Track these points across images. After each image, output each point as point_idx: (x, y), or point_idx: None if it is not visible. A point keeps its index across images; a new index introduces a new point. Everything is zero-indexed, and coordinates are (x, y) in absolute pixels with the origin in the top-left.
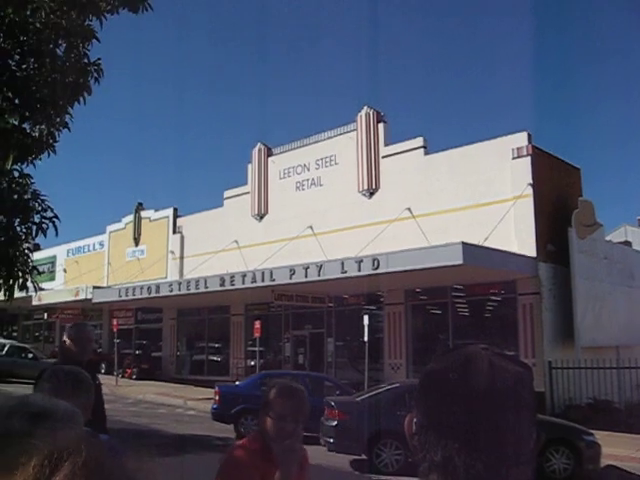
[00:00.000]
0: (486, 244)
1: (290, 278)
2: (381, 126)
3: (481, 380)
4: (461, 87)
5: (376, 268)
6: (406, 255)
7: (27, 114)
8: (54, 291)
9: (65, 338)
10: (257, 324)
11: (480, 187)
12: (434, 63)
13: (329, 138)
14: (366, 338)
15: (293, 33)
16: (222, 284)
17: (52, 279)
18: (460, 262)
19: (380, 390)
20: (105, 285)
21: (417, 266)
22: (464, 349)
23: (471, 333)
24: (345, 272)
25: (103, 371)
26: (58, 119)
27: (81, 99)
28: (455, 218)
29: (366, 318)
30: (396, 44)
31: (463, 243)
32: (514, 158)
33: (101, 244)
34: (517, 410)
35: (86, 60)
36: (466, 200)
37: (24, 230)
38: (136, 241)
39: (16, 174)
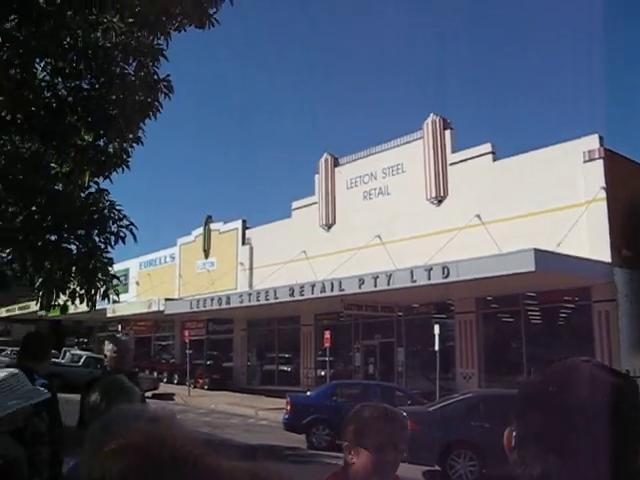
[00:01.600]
0: (559, 250)
1: (359, 288)
2: (448, 133)
3: (581, 393)
4: (529, 90)
5: (446, 276)
6: (477, 263)
7: (101, 131)
8: (127, 303)
9: (106, 351)
10: (327, 334)
11: (551, 192)
12: (499, 66)
13: (396, 147)
14: (437, 347)
15: (358, 42)
16: (292, 294)
17: (125, 292)
18: (532, 269)
19: (453, 400)
20: (176, 297)
21: (488, 274)
22: (564, 362)
23: (544, 341)
24: (415, 281)
25: (175, 381)
26: (131, 135)
27: (152, 115)
28: (526, 224)
29: (437, 327)
30: (460, 49)
31: (535, 250)
32: (586, 161)
33: (172, 257)
34: (619, 424)
35: (155, 77)
36: (537, 205)
37: (103, 241)
38: (206, 253)
39: (93, 189)
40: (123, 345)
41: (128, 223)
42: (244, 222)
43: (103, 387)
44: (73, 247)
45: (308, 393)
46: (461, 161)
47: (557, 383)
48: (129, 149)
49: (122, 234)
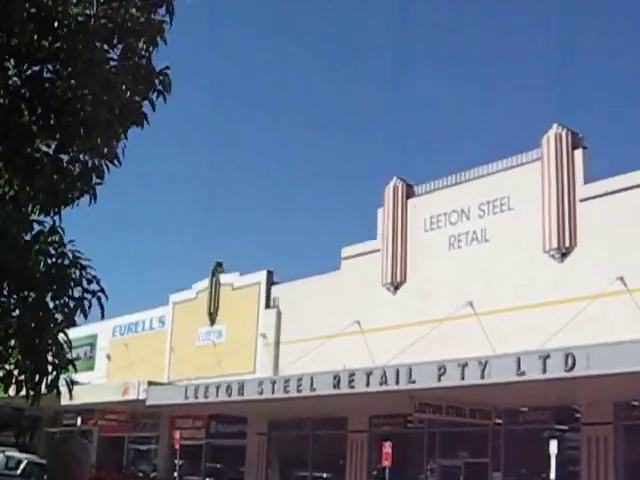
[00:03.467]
0: None
1: (439, 380)
2: (578, 153)
3: None
4: None
5: (570, 368)
6: (618, 349)
7: (65, 141)
8: (92, 386)
9: (50, 461)
10: (387, 446)
11: None
12: None
13: (499, 171)
14: (553, 474)
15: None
16: (337, 385)
17: (90, 368)
18: None
19: None
20: (165, 381)
21: (634, 368)
22: None
23: None
24: (522, 373)
25: None
26: (106, 149)
27: (138, 122)
28: None
29: (554, 444)
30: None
31: None
32: None
33: (161, 321)
34: None
35: (150, 68)
36: None
37: (59, 308)
38: (212, 317)
39: (46, 226)
40: (76, 454)
41: (98, 289)
42: (270, 274)
43: None
44: (16, 311)
45: None
46: (597, 196)
47: None
48: (103, 168)
49: (86, 303)
